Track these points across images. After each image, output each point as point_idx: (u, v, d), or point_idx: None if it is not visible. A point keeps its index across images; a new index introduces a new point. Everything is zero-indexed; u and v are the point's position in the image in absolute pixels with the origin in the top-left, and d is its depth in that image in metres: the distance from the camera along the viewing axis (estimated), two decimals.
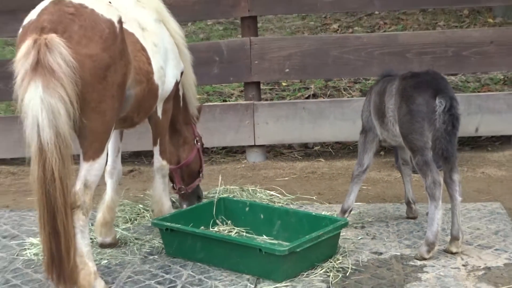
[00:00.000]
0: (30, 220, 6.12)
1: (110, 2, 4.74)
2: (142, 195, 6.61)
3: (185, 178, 5.99)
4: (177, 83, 5.52)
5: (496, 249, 5.13)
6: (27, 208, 6.47)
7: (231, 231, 5.59)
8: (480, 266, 4.86)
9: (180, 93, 5.80)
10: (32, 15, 4.46)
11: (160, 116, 5.43)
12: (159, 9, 5.52)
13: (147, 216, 6.07)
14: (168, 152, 5.68)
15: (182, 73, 5.62)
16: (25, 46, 4.21)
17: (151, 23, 5.26)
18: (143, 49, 4.94)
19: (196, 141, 6.02)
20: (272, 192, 6.48)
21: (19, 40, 4.43)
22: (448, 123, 4.83)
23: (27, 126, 4.19)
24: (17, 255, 5.45)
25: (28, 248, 5.53)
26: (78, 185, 4.45)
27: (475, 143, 7.82)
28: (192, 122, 6.04)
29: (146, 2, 5.44)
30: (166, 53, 5.29)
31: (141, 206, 6.26)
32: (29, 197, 6.47)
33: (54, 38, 4.19)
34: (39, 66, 4.15)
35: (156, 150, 5.53)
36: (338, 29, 10.73)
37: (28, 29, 4.35)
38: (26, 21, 4.48)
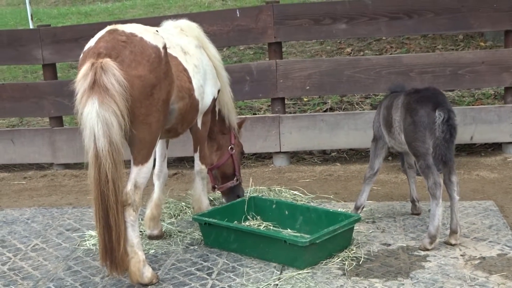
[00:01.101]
0: (90, 215, 6.13)
1: (157, 31, 4.73)
2: (184, 195, 6.58)
3: (218, 178, 5.93)
4: (214, 99, 5.49)
5: (490, 241, 5.02)
6: (87, 205, 6.48)
7: (260, 225, 5.54)
8: (476, 256, 4.77)
9: (217, 108, 5.76)
10: (91, 42, 4.48)
11: (200, 127, 5.40)
12: (200, 36, 5.50)
13: (188, 212, 6.04)
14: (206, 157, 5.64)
15: (219, 91, 5.58)
16: (84, 69, 4.23)
17: (192, 48, 5.24)
18: (185, 70, 4.92)
19: (231, 148, 5.94)
20: (295, 192, 6.42)
21: (80, 63, 4.45)
22: (446, 132, 4.77)
23: (85, 136, 4.21)
24: (78, 245, 5.46)
25: (88, 240, 5.53)
26: (129, 186, 4.44)
27: (470, 149, 7.70)
28: (231, 132, 5.93)
29: (188, 30, 5.43)
30: (205, 74, 5.26)
31: (183, 203, 6.23)
32: (89, 196, 6.47)
33: (108, 61, 4.20)
34: (95, 85, 4.16)
35: (196, 156, 5.50)
36: (351, 52, 10.63)
37: (87, 54, 4.37)
38: (86, 47, 4.51)
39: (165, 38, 4.72)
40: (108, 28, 4.51)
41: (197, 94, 5.05)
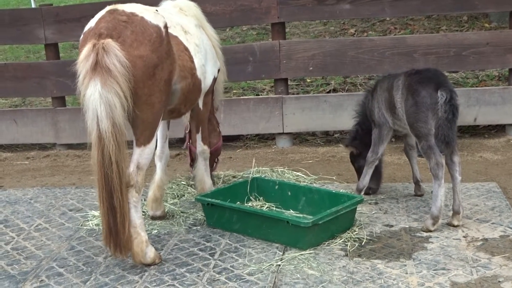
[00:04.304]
0: (92, 195, 6.14)
1: (156, 10, 4.70)
2: (187, 175, 6.56)
3: (210, 161, 5.90)
4: (214, 79, 5.47)
5: (493, 223, 5.03)
6: (90, 186, 6.49)
7: (263, 206, 5.55)
8: (478, 238, 4.78)
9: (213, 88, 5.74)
10: (91, 23, 4.46)
11: (201, 108, 5.39)
12: (198, 16, 5.48)
13: (191, 192, 6.02)
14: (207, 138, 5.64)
15: (218, 70, 5.57)
16: (86, 50, 4.22)
17: (192, 27, 5.22)
18: (186, 49, 4.90)
19: (218, 126, 5.98)
20: (298, 173, 6.42)
21: (81, 44, 4.44)
22: (449, 112, 4.79)
23: (88, 118, 4.20)
24: (81, 225, 5.48)
25: (91, 220, 5.55)
26: (132, 167, 4.44)
27: (474, 131, 7.70)
28: (215, 111, 5.99)
29: (187, 10, 5.41)
30: (205, 53, 5.25)
31: (184, 183, 6.22)
32: (92, 176, 6.48)
33: (110, 42, 4.18)
34: (98, 66, 4.15)
35: (198, 137, 5.50)
36: (354, 33, 10.59)
37: (88, 35, 4.35)
38: (86, 28, 4.49)
39: (165, 17, 4.69)
40: (108, 8, 4.48)
41: (199, 73, 5.03)
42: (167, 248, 4.90)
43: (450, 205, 5.12)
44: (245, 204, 5.54)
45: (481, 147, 7.18)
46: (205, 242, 4.98)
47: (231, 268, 4.51)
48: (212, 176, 6.03)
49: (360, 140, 5.73)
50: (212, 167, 5.97)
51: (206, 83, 5.23)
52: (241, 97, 8.16)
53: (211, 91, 5.45)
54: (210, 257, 4.70)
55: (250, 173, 6.03)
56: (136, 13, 4.40)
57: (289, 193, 5.53)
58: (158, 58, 4.36)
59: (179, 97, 4.86)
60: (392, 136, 5.51)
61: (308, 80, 9.05)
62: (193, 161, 5.88)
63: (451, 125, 4.79)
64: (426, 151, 4.91)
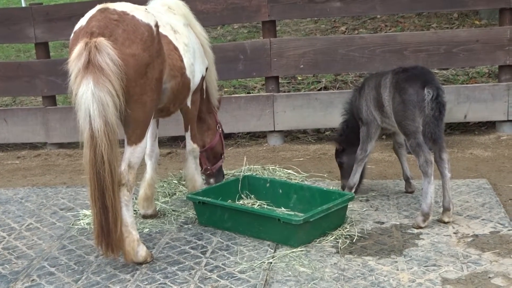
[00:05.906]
0: (84, 195, 6.14)
1: (146, 9, 4.71)
2: (178, 173, 6.57)
3: (210, 159, 5.93)
4: (203, 78, 5.48)
5: (483, 219, 5.07)
6: (81, 185, 6.49)
7: (254, 204, 5.57)
8: (469, 234, 4.82)
9: (204, 86, 5.74)
10: (82, 22, 4.45)
11: (190, 106, 5.38)
12: (187, 15, 5.48)
13: (183, 191, 6.03)
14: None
15: (206, 69, 5.58)
16: (78, 48, 4.21)
17: (181, 26, 5.22)
18: (176, 48, 4.91)
19: (218, 127, 5.97)
20: (289, 171, 6.44)
21: (71, 43, 4.42)
22: (435, 110, 4.82)
23: (80, 117, 4.19)
24: (72, 225, 5.48)
25: (82, 219, 5.55)
26: (123, 166, 4.45)
27: (464, 128, 7.74)
28: (214, 111, 5.98)
29: (176, 9, 5.41)
30: (194, 52, 5.25)
31: (176, 181, 6.23)
32: (83, 175, 6.48)
33: (102, 41, 4.18)
34: (90, 65, 4.14)
35: (188, 135, 5.50)
36: (345, 31, 10.63)
37: (79, 34, 4.34)
38: (76, 27, 4.48)
39: (155, 16, 4.69)
40: (99, 7, 4.47)
41: (188, 72, 5.04)
42: (159, 247, 4.91)
43: (441, 201, 5.15)
44: (237, 202, 5.56)
45: (471, 144, 7.22)
46: (196, 240, 5.00)
47: (222, 266, 4.52)
48: (221, 175, 6.01)
49: (346, 136, 5.75)
50: (213, 165, 5.94)
51: (194, 82, 5.24)
52: (232, 95, 8.18)
53: (199, 89, 5.45)
54: (202, 255, 4.72)
55: (241, 171, 6.05)
56: (127, 12, 4.40)
57: (280, 191, 5.55)
58: (149, 56, 4.37)
59: (168, 96, 4.87)
60: (380, 134, 5.53)
61: (299, 78, 9.07)
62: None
63: (438, 123, 4.81)
64: (414, 148, 4.93)
